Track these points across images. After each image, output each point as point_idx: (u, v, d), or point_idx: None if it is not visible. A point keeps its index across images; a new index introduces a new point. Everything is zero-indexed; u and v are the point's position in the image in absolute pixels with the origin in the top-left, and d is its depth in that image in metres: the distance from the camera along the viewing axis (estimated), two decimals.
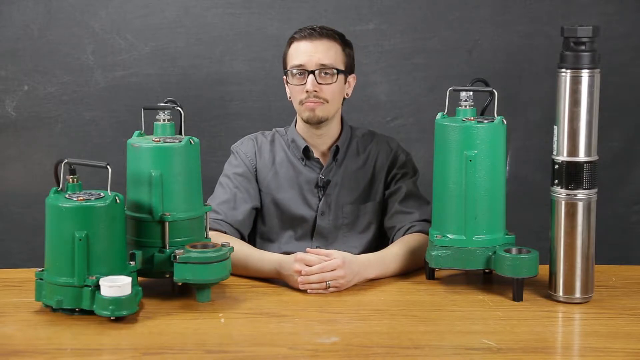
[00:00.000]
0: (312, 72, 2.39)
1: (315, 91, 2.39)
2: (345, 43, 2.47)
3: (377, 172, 2.51)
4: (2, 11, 3.05)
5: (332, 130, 2.50)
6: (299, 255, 2.16)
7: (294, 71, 2.41)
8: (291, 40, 2.45)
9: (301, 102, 2.42)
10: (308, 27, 2.44)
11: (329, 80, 2.41)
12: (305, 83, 2.39)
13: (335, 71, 2.41)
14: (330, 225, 2.47)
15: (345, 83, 2.47)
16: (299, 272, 2.13)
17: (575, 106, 2.03)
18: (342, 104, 2.50)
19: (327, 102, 2.41)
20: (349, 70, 2.47)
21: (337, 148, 2.50)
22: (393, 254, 2.28)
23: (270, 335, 1.89)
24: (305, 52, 2.40)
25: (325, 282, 2.13)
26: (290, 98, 2.49)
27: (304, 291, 2.14)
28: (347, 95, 2.50)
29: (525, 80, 3.12)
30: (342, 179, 2.49)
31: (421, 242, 2.32)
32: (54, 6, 3.05)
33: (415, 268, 2.30)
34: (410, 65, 3.12)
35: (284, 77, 2.48)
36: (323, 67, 2.40)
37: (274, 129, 2.58)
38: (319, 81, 2.39)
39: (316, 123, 2.44)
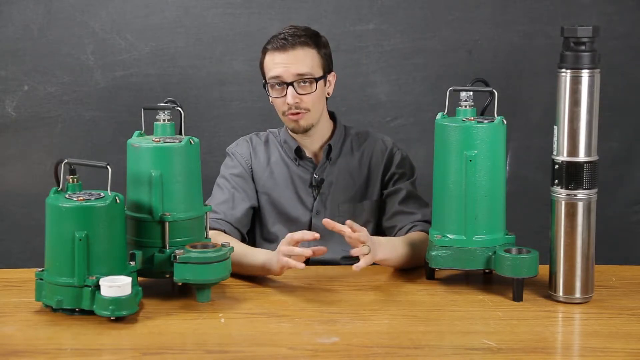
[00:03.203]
0: (291, 83, 2.38)
1: (297, 102, 2.39)
2: (319, 44, 2.44)
3: (373, 170, 2.51)
4: (2, 11, 3.05)
5: (321, 131, 2.50)
6: (289, 235, 2.15)
7: (273, 82, 2.41)
8: (265, 50, 2.44)
9: (284, 114, 2.42)
10: (280, 37, 2.40)
11: (309, 90, 2.40)
12: (285, 95, 2.39)
13: (313, 79, 2.40)
14: None
15: (325, 85, 2.46)
16: (281, 252, 2.12)
17: (575, 106, 2.03)
18: (326, 103, 2.50)
19: (309, 110, 2.41)
20: (327, 71, 2.46)
21: (330, 147, 2.50)
22: (400, 243, 2.28)
23: (270, 335, 1.89)
24: (281, 64, 2.39)
25: (366, 244, 2.10)
26: (272, 102, 2.49)
27: (304, 291, 2.13)
28: (328, 94, 2.49)
29: (525, 80, 3.12)
30: (337, 177, 2.50)
31: (424, 241, 2.31)
32: (54, 6, 3.05)
33: (417, 265, 2.29)
34: (410, 65, 3.13)
35: (264, 85, 2.47)
36: (301, 77, 2.38)
37: (267, 130, 2.59)
38: (299, 91, 2.39)
39: (302, 132, 2.45)
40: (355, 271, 2.08)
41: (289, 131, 2.52)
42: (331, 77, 2.49)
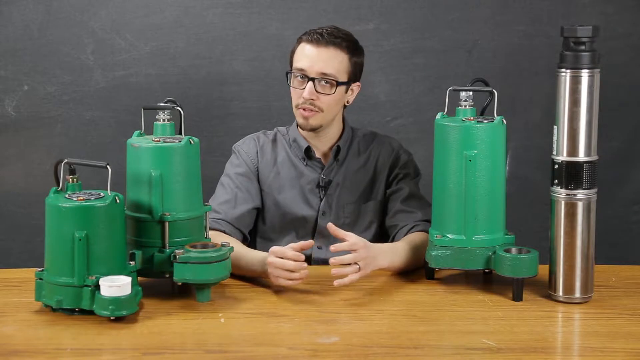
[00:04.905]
0: (312, 79, 2.38)
1: (312, 99, 2.38)
2: (353, 52, 2.43)
3: (379, 172, 2.51)
4: (2, 11, 3.05)
5: (331, 133, 2.50)
6: (275, 248, 2.14)
7: (296, 73, 2.40)
8: (299, 40, 2.43)
9: (297, 106, 2.42)
10: (317, 31, 2.40)
11: (328, 91, 2.39)
12: (304, 88, 2.38)
13: (335, 82, 2.39)
14: None
15: (346, 92, 2.45)
16: (272, 264, 2.11)
17: (575, 106, 2.03)
18: (343, 110, 2.50)
19: (322, 111, 2.41)
20: (352, 79, 2.45)
21: (339, 148, 2.50)
22: (401, 248, 2.28)
23: (270, 335, 1.89)
24: (308, 57, 2.38)
25: (356, 262, 2.10)
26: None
27: (304, 291, 2.13)
28: (347, 102, 2.48)
29: (525, 80, 3.12)
30: (344, 178, 2.49)
31: (425, 241, 2.31)
32: (54, 6, 3.05)
33: (418, 266, 2.29)
34: (410, 65, 3.12)
35: (287, 73, 2.47)
36: (324, 77, 2.38)
37: (275, 129, 2.58)
38: (318, 89, 2.38)
39: (309, 130, 2.44)
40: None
41: (299, 130, 2.52)
42: (355, 87, 2.48)
